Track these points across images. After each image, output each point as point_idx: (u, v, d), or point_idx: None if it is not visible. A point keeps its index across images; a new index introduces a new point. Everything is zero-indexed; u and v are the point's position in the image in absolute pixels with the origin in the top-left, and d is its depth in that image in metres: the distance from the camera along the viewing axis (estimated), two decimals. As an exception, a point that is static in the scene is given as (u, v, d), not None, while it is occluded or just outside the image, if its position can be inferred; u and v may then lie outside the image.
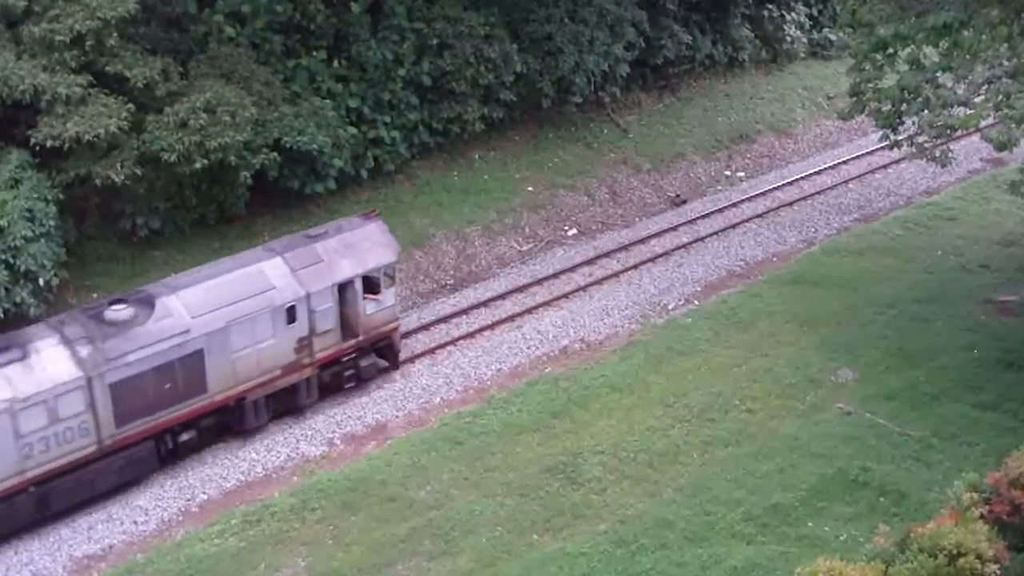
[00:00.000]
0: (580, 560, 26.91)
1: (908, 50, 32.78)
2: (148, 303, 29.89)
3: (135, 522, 29.06)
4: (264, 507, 29.11)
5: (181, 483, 30.21)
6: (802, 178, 46.84)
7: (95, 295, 34.95)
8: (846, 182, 46.56)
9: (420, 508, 28.99)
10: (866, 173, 47.21)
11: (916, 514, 26.29)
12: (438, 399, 33.72)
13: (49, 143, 32.98)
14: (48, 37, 33.28)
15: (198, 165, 34.53)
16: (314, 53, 39.89)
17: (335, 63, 40.38)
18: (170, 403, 29.90)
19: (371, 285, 33.16)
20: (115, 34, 33.75)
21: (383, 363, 34.42)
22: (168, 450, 30.51)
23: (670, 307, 38.07)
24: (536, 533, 28.09)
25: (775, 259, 41.09)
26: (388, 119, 41.24)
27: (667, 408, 32.44)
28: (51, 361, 28.08)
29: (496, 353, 35.65)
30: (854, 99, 35.41)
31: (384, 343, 34.09)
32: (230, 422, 31.58)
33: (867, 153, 48.26)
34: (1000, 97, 29.37)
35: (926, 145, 33.95)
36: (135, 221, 36.29)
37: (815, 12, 56.75)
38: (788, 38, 54.99)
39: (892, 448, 30.24)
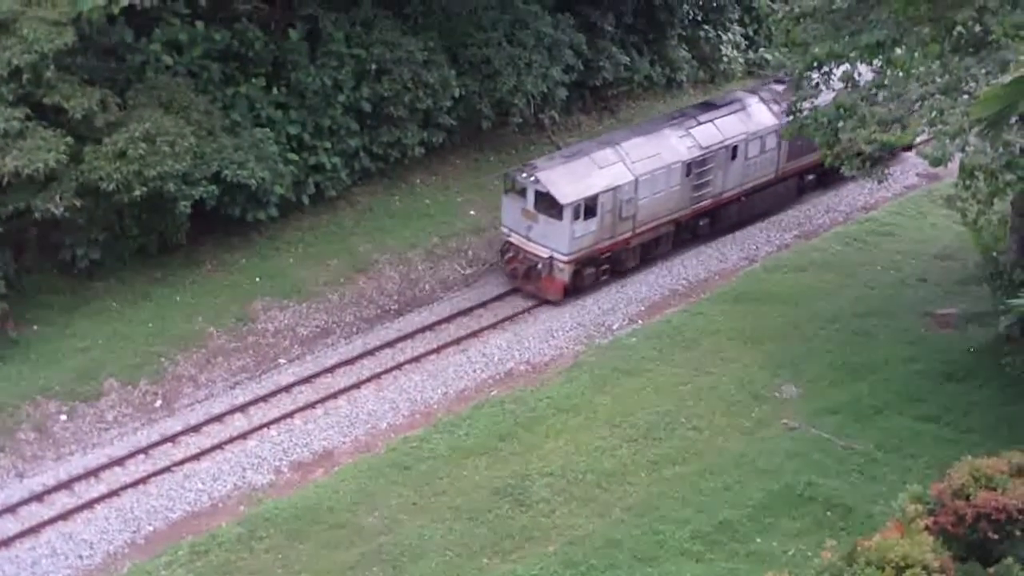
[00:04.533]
0: (531, 582, 26.97)
1: (843, 69, 33.14)
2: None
3: (80, 556, 28.77)
4: (211, 537, 28.87)
5: (127, 515, 29.93)
6: (742, 196, 47.53)
7: (35, 327, 34.75)
8: (785, 199, 46.98)
9: (369, 534, 28.90)
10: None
11: (862, 527, 26.50)
12: (384, 424, 33.65)
13: (-13, 178, 32.76)
14: (-16, 71, 33.04)
15: (137, 193, 34.29)
16: (253, 80, 39.77)
17: (274, 90, 40.27)
18: (803, 154, 43.93)
19: None
20: (52, 66, 33.48)
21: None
22: (799, 187, 45.52)
23: (614, 327, 38.20)
24: (486, 556, 28.06)
25: (717, 277, 41.36)
26: (328, 145, 41.16)
27: (614, 428, 32.52)
28: (759, 112, 43.20)
29: (442, 377, 35.62)
30: (791, 117, 35.73)
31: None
32: (821, 178, 45.73)
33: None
34: (934, 114, 29.72)
35: (863, 162, 34.25)
36: (75, 252, 35.99)
37: (751, 32, 57.23)
38: (725, 58, 55.44)
39: (837, 462, 30.48)
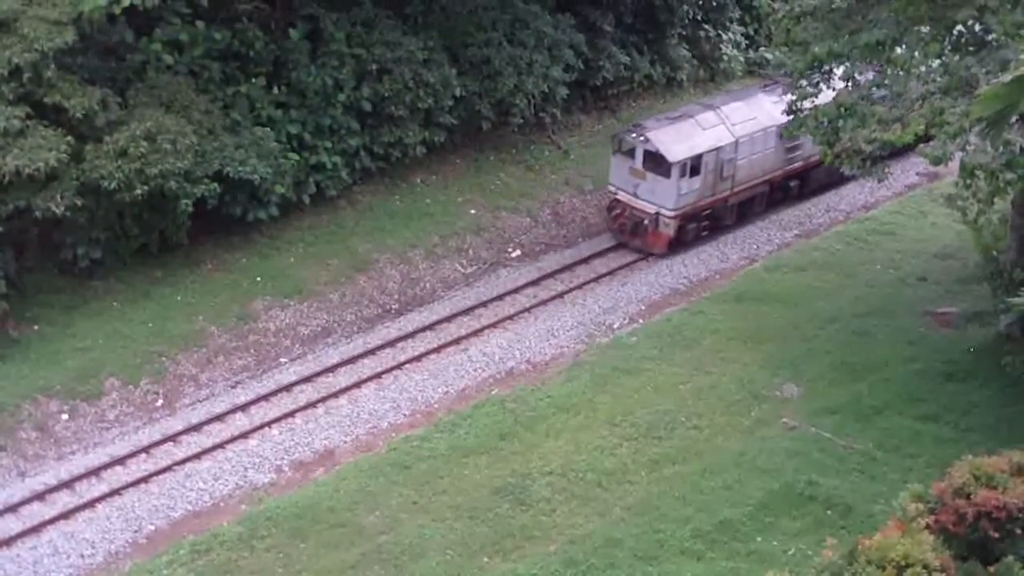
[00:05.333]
0: (531, 581, 26.98)
1: (843, 68, 33.14)
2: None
3: (82, 555, 28.82)
4: (213, 536, 28.92)
5: (128, 514, 29.97)
6: (743, 195, 47.65)
7: (36, 327, 34.76)
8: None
9: (369, 534, 28.92)
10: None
11: (863, 526, 26.48)
12: (386, 423, 33.69)
13: (-12, 176, 32.77)
14: (-15, 70, 33.05)
15: (138, 192, 34.34)
16: (253, 80, 39.79)
17: (275, 90, 40.30)
18: None
19: None
20: (53, 65, 33.53)
21: None
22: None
23: (615, 326, 38.23)
24: (486, 556, 28.09)
25: (718, 276, 41.41)
26: (329, 144, 41.17)
27: (614, 427, 32.54)
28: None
29: (443, 376, 35.66)
30: (791, 117, 35.74)
31: None
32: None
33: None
34: (934, 114, 29.72)
35: (863, 161, 34.24)
36: (76, 252, 35.99)
37: (751, 31, 57.29)
38: (725, 57, 55.48)
39: (837, 462, 30.47)
